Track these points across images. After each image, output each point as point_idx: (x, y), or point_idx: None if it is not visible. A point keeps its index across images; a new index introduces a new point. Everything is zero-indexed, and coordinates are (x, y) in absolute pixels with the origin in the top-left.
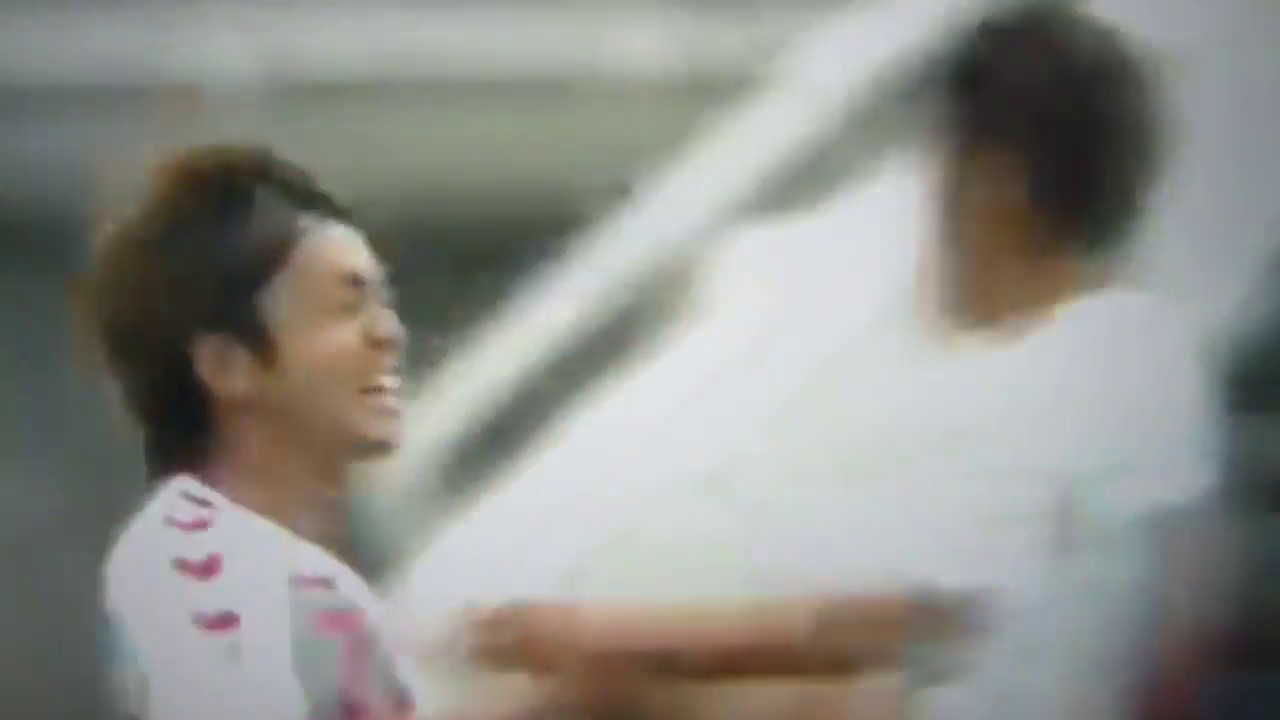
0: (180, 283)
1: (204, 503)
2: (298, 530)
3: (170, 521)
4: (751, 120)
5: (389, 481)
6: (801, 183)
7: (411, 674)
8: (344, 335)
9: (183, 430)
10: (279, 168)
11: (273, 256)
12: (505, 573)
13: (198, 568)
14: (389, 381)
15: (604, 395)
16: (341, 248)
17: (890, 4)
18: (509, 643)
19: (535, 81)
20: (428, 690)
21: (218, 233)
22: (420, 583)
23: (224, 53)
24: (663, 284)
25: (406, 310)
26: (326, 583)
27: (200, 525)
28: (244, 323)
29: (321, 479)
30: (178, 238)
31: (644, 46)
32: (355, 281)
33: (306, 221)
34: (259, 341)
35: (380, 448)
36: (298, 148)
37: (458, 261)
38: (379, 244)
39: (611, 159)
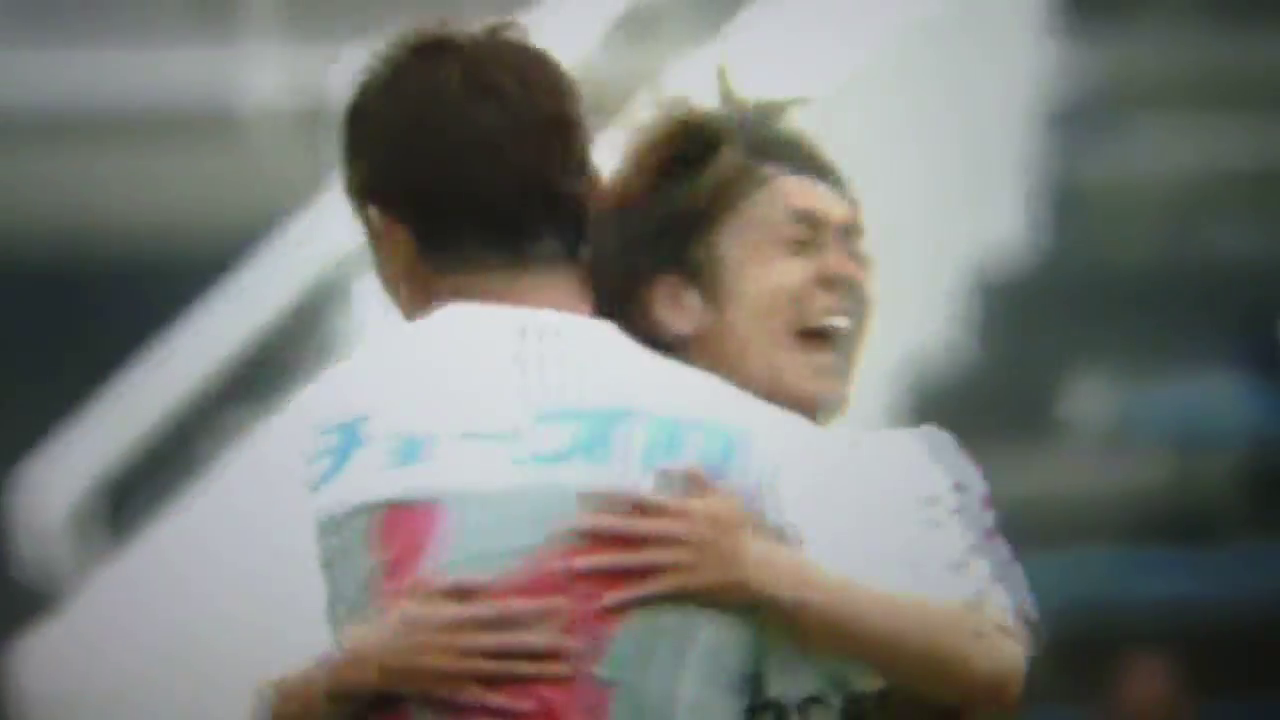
0: (643, 230)
1: None
2: None
3: None
4: None
5: (46, 511)
6: None
7: None
8: (789, 270)
9: None
10: (752, 127)
11: (724, 199)
12: (166, 604)
13: None
14: (834, 322)
15: (251, 428)
16: (799, 190)
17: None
18: None
19: (174, 119)
20: None
21: (676, 185)
22: (81, 611)
23: None
24: (309, 317)
25: (56, 346)
26: None
27: None
28: (696, 262)
29: None
30: (644, 196)
31: (276, 81)
32: (808, 220)
33: (770, 169)
34: (709, 279)
35: (814, 404)
36: None
37: (105, 296)
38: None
39: (250, 195)
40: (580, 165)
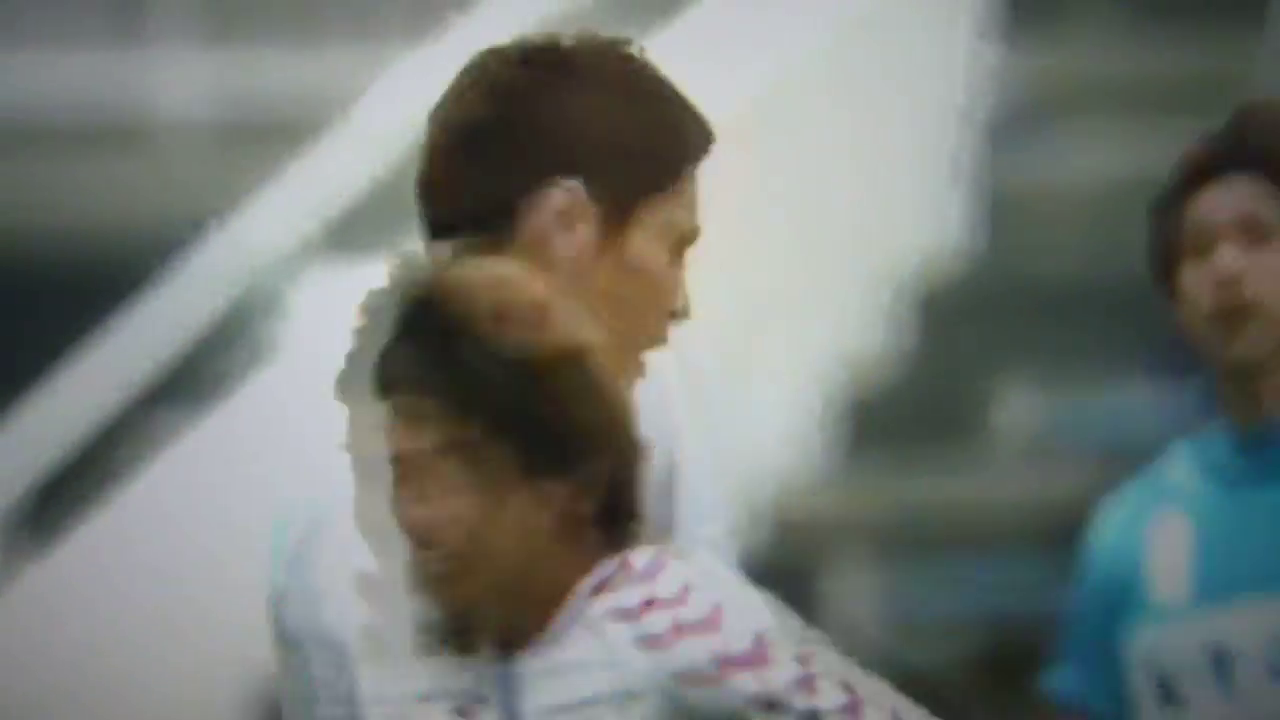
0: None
1: None
2: None
3: None
4: (316, 163)
5: None
6: (367, 225)
7: None
8: None
9: None
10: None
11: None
12: (85, 610)
13: None
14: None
15: (178, 435)
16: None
17: (449, 47)
18: None
19: (91, 129)
20: None
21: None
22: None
23: None
24: (234, 325)
25: None
26: None
27: None
28: None
29: None
30: None
31: (198, 90)
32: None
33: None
34: None
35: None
36: None
37: (23, 306)
38: None
39: (174, 202)
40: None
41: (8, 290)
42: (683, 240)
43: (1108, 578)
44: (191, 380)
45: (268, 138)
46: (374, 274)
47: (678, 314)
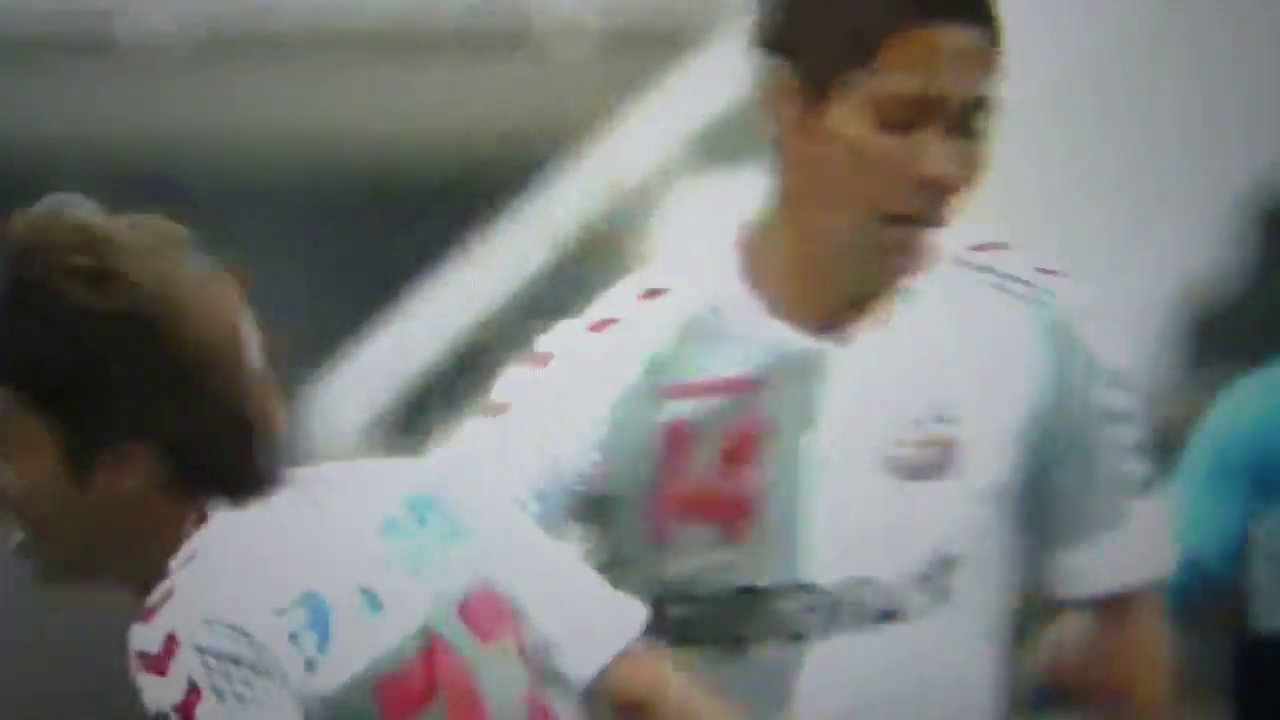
0: None
1: None
2: None
3: None
4: (696, 73)
5: (340, 422)
6: (746, 135)
7: None
8: None
9: None
10: None
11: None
12: None
13: None
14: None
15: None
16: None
17: None
18: None
19: (477, 35)
20: None
21: None
22: None
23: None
24: (608, 235)
25: (356, 259)
26: None
27: None
28: None
29: None
30: None
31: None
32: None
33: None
34: None
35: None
36: (234, 102)
37: (404, 210)
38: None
39: (556, 111)
40: None
41: (393, 196)
42: (913, 107)
43: (1259, 450)
44: (556, 294)
45: (650, 45)
46: (747, 184)
47: (931, 183)
